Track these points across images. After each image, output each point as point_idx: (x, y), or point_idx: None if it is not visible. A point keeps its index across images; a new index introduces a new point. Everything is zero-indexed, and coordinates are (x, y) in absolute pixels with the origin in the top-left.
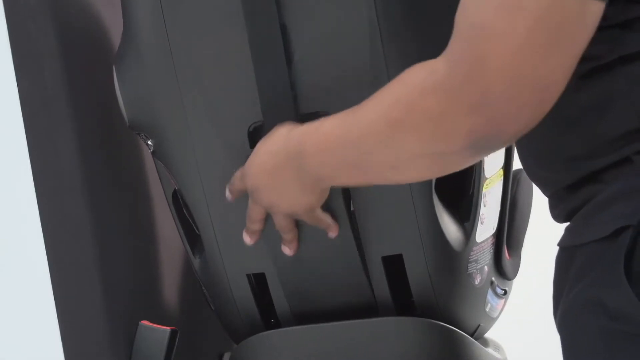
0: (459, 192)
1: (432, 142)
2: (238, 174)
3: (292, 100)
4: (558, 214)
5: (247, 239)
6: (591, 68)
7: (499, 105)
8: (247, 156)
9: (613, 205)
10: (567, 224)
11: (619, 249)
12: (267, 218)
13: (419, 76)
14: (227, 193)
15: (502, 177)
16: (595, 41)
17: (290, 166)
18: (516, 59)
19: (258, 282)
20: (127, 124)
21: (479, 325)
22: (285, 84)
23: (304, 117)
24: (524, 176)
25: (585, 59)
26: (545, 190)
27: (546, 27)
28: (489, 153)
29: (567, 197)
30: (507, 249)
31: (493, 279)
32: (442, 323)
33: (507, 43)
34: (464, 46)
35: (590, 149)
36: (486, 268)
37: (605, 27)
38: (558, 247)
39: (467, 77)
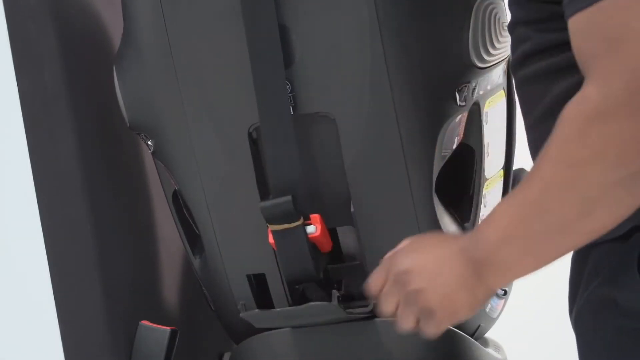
0: (459, 192)
1: (621, 164)
2: (387, 268)
3: (289, 102)
4: None
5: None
6: None
7: None
8: (247, 157)
9: None
10: None
11: (632, 247)
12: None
13: (575, 111)
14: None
15: (502, 178)
16: None
17: (468, 270)
18: None
19: (258, 283)
20: (127, 124)
21: (479, 326)
22: (282, 86)
23: (303, 118)
24: (525, 176)
25: None
26: None
27: None
28: None
29: None
30: None
31: None
32: None
33: None
34: (609, 61)
35: None
36: None
37: None
38: None
39: (628, 86)
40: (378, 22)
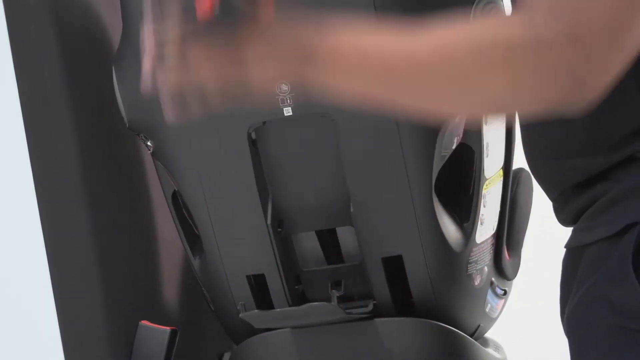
0: (459, 192)
1: (523, 89)
2: None
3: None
4: (565, 217)
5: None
6: None
7: (598, 60)
8: (246, 157)
9: (622, 202)
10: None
11: (627, 244)
12: None
13: (518, 27)
14: None
15: (502, 178)
16: None
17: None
18: (613, 16)
19: (258, 283)
20: (127, 125)
21: (478, 326)
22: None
23: (303, 118)
24: (524, 176)
25: None
26: (551, 193)
27: None
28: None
29: (574, 197)
30: (507, 249)
31: (493, 279)
32: (441, 323)
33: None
34: (563, 4)
35: (596, 148)
36: (486, 269)
37: None
38: (565, 249)
39: (568, 33)
40: (377, 22)
